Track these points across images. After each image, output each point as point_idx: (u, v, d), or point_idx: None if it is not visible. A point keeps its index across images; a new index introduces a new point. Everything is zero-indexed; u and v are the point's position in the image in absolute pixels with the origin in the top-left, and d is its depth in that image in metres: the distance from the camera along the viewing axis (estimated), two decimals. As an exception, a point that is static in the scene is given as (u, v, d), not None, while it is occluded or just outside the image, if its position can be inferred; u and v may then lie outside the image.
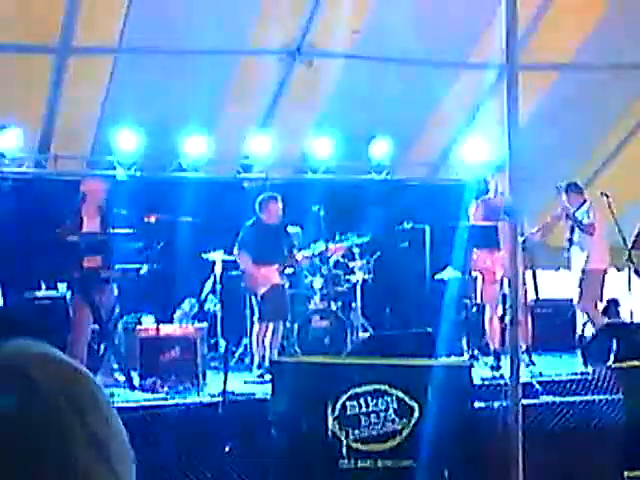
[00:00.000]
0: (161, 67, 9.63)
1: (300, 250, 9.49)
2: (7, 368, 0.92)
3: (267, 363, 8.41)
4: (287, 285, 9.42)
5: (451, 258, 9.26)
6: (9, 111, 9.45)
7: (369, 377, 6.06)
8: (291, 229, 9.79)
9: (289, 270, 9.27)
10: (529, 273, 10.17)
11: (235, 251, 8.88)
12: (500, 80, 7.55)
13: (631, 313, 8.79)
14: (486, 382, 7.48)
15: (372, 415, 5.98)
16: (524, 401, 5.56)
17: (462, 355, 9.01)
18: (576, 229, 9.52)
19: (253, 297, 8.90)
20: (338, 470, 5.89)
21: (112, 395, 6.94)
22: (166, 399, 7.05)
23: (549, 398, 7.34)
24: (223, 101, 10.17)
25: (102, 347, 7.95)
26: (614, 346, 7.57)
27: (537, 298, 10.52)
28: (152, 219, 8.07)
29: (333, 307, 9.16)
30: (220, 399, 6.81)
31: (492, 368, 8.32)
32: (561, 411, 7.16)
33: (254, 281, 8.75)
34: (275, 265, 8.87)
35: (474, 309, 9.47)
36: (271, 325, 8.77)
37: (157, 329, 7.93)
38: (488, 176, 9.29)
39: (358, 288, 9.70)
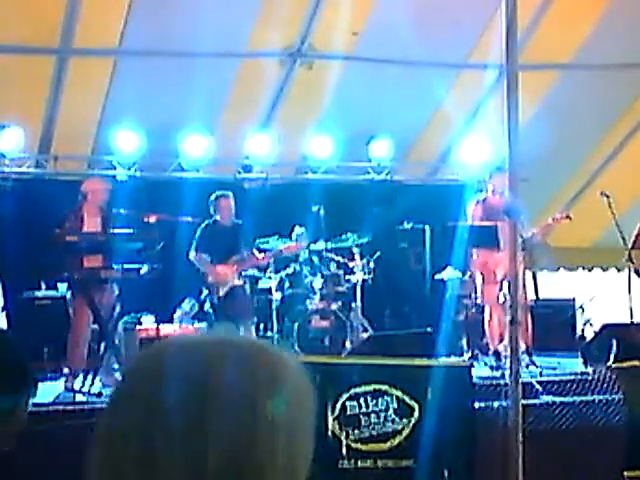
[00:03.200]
0: (162, 68, 9.65)
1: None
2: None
3: None
4: (284, 286, 9.43)
5: (451, 258, 9.26)
6: (9, 111, 9.45)
7: (369, 377, 6.05)
8: (297, 229, 9.79)
9: (250, 270, 9.28)
10: (529, 273, 10.19)
11: (192, 254, 8.81)
12: (500, 80, 7.54)
13: (631, 313, 8.77)
14: (486, 382, 7.48)
15: (372, 415, 5.97)
16: (524, 401, 5.56)
17: (462, 355, 9.01)
18: None
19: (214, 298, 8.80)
20: (338, 470, 5.88)
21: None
22: (166, 399, 7.03)
23: (549, 398, 7.34)
24: (223, 102, 10.18)
25: (102, 347, 7.92)
26: (614, 346, 7.57)
27: (537, 298, 10.53)
28: (152, 219, 8.06)
29: (333, 307, 9.16)
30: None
31: (492, 368, 8.32)
32: (561, 411, 7.16)
33: (214, 282, 8.73)
34: (233, 265, 8.85)
35: (474, 309, 9.47)
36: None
37: (157, 329, 7.92)
38: (486, 176, 9.29)
39: (358, 288, 9.68)
